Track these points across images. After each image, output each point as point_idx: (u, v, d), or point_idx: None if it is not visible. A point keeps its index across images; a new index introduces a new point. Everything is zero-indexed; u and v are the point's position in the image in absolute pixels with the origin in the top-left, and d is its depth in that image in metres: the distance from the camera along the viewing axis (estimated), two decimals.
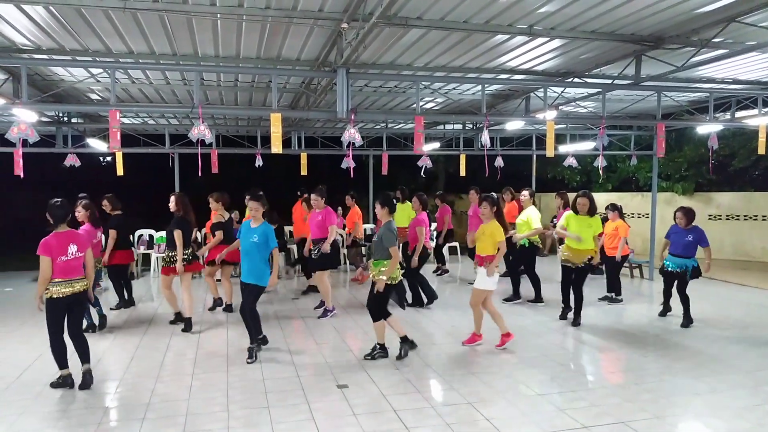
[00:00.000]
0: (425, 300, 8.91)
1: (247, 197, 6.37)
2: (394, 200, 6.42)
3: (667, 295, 8.09)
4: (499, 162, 13.21)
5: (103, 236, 8.08)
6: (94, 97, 10.36)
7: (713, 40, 6.82)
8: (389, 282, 6.05)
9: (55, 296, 5.15)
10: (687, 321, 7.67)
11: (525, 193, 9.24)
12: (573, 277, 7.72)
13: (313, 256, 8.25)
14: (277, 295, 9.83)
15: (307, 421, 4.61)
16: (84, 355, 5.45)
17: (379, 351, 6.28)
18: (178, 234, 7.38)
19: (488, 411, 4.79)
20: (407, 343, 6.32)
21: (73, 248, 5.25)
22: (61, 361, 5.35)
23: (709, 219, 15.08)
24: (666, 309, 8.20)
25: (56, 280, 5.14)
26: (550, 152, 8.88)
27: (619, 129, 14.51)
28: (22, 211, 24.63)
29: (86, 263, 5.43)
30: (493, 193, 6.98)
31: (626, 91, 10.04)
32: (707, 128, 10.11)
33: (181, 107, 10.07)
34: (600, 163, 9.92)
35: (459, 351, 6.56)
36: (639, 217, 16.52)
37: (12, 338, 7.17)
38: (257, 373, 5.75)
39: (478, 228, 6.81)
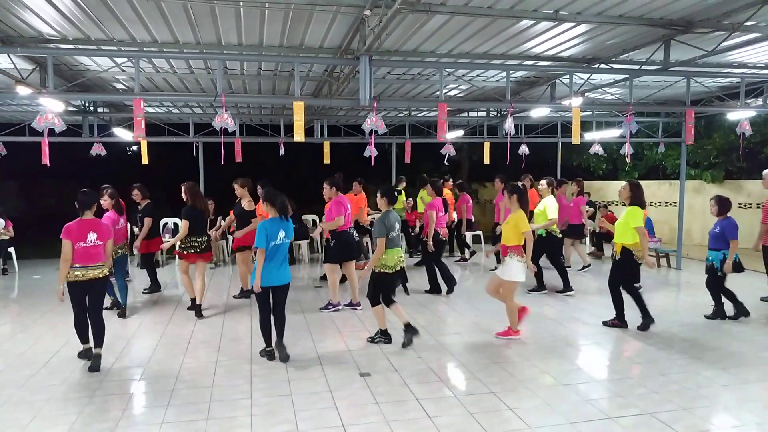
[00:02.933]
0: (444, 288, 8.90)
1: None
2: (396, 192, 6.39)
3: (719, 295, 7.45)
4: (524, 150, 13.05)
5: (128, 224, 8.23)
6: (119, 86, 10.46)
7: (745, 24, 6.62)
8: (390, 270, 6.10)
9: (71, 280, 5.47)
10: (717, 314, 7.36)
11: (543, 182, 8.98)
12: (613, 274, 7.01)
13: (330, 246, 8.07)
14: (301, 283, 9.88)
15: (329, 409, 4.63)
16: (98, 339, 5.69)
17: (380, 336, 6.41)
18: (184, 224, 7.50)
19: (511, 400, 4.76)
20: (410, 331, 6.25)
21: (92, 236, 5.54)
22: (82, 336, 5.78)
23: (740, 207, 14.72)
24: (717, 313, 7.43)
25: (75, 265, 5.45)
26: (575, 139, 8.73)
27: (647, 116, 14.22)
28: (49, 199, 25.18)
29: (106, 252, 5.71)
30: (518, 182, 6.74)
31: (654, 77, 9.82)
32: (738, 114, 9.84)
33: (205, 96, 10.13)
34: (627, 150, 9.73)
35: (482, 340, 6.52)
36: (666, 206, 16.23)
37: (39, 325, 7.32)
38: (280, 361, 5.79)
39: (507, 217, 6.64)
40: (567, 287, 8.86)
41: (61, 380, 5.31)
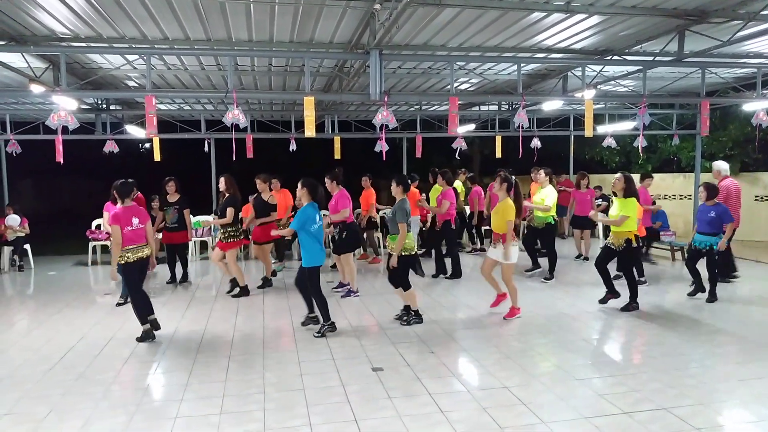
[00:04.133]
0: (445, 274, 9.64)
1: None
2: (409, 181, 7.06)
3: (694, 273, 7.94)
4: (536, 143, 12.99)
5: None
6: (131, 84, 10.51)
7: (762, 13, 6.53)
8: (406, 253, 6.60)
9: (124, 262, 6.15)
10: (712, 297, 7.72)
11: (541, 172, 9.52)
12: (617, 259, 7.40)
13: (336, 239, 8.51)
14: None
15: (342, 403, 4.63)
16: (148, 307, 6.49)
17: (414, 317, 6.88)
18: (230, 211, 8.19)
19: (525, 395, 4.73)
20: (416, 315, 6.90)
21: (135, 221, 6.24)
22: (148, 310, 6.42)
23: (756, 200, 14.54)
24: (697, 288, 7.98)
25: (127, 247, 6.14)
26: (588, 132, 8.68)
27: (660, 108, 14.09)
28: (63, 196, 25.41)
29: (147, 233, 6.38)
30: (510, 175, 7.09)
31: (668, 68, 9.71)
32: (754, 105, 9.71)
33: (216, 92, 10.18)
34: (640, 143, 9.64)
35: (495, 334, 6.50)
36: (681, 199, 16.06)
37: (55, 321, 7.39)
38: (293, 356, 5.81)
39: (496, 205, 7.13)
40: (551, 274, 9.31)
41: (76, 375, 5.36)
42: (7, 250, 11.11)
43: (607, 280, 7.52)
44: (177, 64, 9.08)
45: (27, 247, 11.36)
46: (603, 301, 7.60)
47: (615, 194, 7.37)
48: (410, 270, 6.76)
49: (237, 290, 8.47)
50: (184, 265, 9.69)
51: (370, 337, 6.46)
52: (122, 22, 6.77)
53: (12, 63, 7.81)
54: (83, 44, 7.50)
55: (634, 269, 8.89)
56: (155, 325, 6.47)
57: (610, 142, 12.32)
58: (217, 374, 5.33)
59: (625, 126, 13.78)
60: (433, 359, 5.67)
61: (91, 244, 11.40)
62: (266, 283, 9.09)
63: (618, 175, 7.33)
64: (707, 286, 7.84)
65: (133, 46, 7.57)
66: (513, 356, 5.72)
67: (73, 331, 6.80)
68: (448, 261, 9.70)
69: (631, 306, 7.32)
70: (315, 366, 5.50)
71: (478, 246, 12.43)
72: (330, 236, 8.75)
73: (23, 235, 11.19)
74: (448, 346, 6.09)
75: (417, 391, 4.86)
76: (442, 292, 8.69)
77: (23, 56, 7.57)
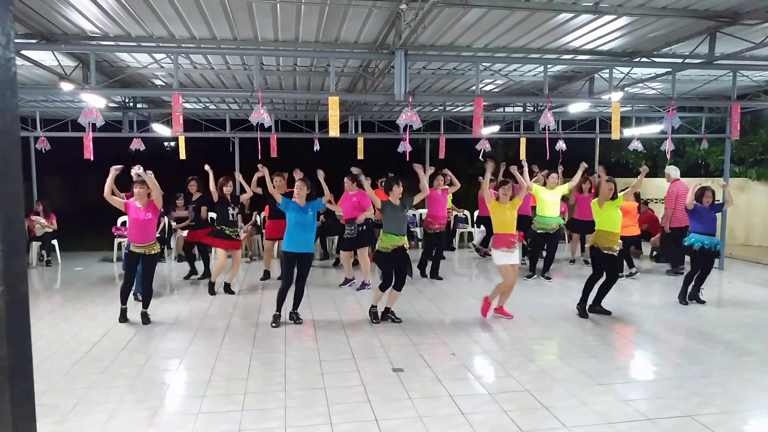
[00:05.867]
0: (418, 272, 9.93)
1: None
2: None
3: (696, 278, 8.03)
4: (561, 145, 12.86)
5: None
6: (158, 82, 10.65)
7: None
8: (383, 250, 6.95)
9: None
10: (683, 297, 7.98)
11: (554, 175, 9.93)
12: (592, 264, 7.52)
13: (346, 236, 9.04)
14: (334, 279, 9.92)
15: (363, 403, 4.63)
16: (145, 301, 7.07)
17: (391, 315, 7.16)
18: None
19: (547, 399, 4.68)
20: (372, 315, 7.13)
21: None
22: (123, 297, 7.07)
23: None
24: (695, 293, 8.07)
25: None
26: (615, 135, 8.56)
27: (689, 111, 13.84)
28: (90, 193, 25.80)
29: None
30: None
31: (698, 70, 9.53)
32: None
33: (241, 92, 10.26)
34: (668, 146, 9.48)
35: (516, 337, 6.45)
36: None
37: (81, 316, 7.51)
38: (314, 354, 5.83)
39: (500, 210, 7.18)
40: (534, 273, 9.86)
41: (102, 369, 5.44)
42: (35, 245, 11.33)
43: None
44: (203, 64, 9.17)
45: (54, 242, 11.57)
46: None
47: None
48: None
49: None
50: (206, 262, 9.81)
51: (391, 337, 6.46)
52: (151, 22, 6.86)
53: (43, 61, 7.96)
54: (112, 43, 7.61)
55: (625, 262, 9.36)
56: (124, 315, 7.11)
57: (636, 145, 12.13)
58: (238, 372, 5.37)
59: (652, 129, 13.56)
60: (454, 361, 5.64)
61: (116, 240, 11.58)
62: (266, 276, 9.69)
63: (607, 184, 7.25)
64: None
65: (161, 45, 7.66)
66: (535, 359, 5.67)
67: (98, 326, 6.91)
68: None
69: (578, 307, 7.39)
70: (336, 365, 5.51)
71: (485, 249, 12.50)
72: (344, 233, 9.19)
73: (51, 230, 11.41)
74: (470, 348, 6.06)
75: (438, 392, 4.84)
76: (463, 294, 8.65)
77: (54, 54, 7.70)
